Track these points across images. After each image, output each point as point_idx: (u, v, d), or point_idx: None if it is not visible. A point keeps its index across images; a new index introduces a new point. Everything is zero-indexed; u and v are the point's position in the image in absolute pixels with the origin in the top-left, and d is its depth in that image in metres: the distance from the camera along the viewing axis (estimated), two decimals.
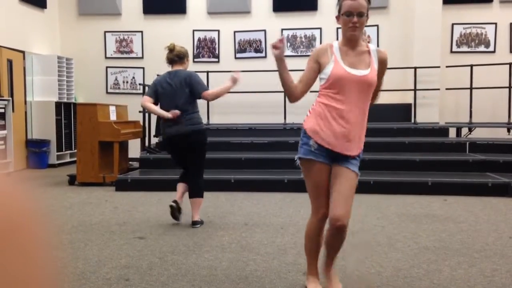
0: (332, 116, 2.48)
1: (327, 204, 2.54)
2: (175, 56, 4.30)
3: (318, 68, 2.54)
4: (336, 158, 2.52)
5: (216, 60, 9.40)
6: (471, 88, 7.84)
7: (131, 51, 9.59)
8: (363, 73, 2.48)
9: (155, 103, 4.28)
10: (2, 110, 7.37)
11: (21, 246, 0.33)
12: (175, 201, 4.30)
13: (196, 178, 4.30)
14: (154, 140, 7.72)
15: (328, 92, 2.51)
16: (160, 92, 4.23)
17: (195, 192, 4.30)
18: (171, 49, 4.32)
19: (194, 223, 4.27)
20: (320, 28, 9.12)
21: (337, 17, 2.53)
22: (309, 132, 2.54)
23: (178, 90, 4.17)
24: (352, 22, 2.44)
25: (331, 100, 2.49)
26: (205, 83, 8.49)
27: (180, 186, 4.36)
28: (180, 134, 4.16)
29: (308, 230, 2.67)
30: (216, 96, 4.11)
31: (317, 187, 2.55)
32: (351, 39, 2.51)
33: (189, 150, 4.25)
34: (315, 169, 2.53)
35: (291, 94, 2.56)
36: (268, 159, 6.82)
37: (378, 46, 8.96)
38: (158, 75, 4.42)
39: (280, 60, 2.50)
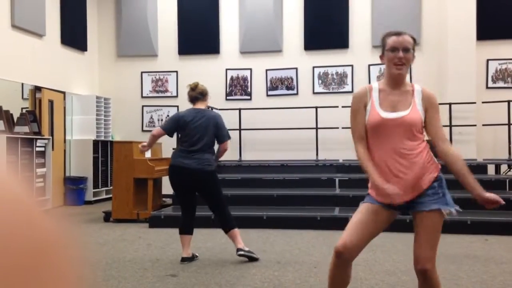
0: (381, 169, 2.32)
1: (351, 241, 2.30)
2: (199, 94, 4.39)
3: (365, 111, 2.39)
4: (406, 205, 2.36)
5: (249, 97, 9.54)
6: (509, 124, 7.64)
7: (166, 90, 9.87)
8: (402, 114, 2.33)
9: (169, 135, 4.41)
10: (43, 149, 7.64)
11: (50, 277, 0.33)
12: (185, 259, 4.26)
13: (221, 209, 4.29)
14: None
15: (370, 143, 2.38)
16: (190, 127, 4.25)
17: (228, 224, 4.27)
18: (193, 88, 4.42)
19: (240, 250, 4.22)
20: (352, 65, 9.17)
21: (381, 56, 2.43)
22: (370, 192, 2.41)
23: (206, 130, 4.25)
24: (398, 57, 2.31)
25: (374, 150, 2.36)
26: (237, 120, 8.71)
27: (184, 238, 4.32)
28: (189, 168, 4.18)
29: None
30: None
31: (354, 222, 2.34)
32: (397, 78, 2.37)
33: (198, 189, 4.29)
34: (365, 207, 2.37)
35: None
36: (301, 196, 6.76)
37: (411, 81, 8.90)
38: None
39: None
